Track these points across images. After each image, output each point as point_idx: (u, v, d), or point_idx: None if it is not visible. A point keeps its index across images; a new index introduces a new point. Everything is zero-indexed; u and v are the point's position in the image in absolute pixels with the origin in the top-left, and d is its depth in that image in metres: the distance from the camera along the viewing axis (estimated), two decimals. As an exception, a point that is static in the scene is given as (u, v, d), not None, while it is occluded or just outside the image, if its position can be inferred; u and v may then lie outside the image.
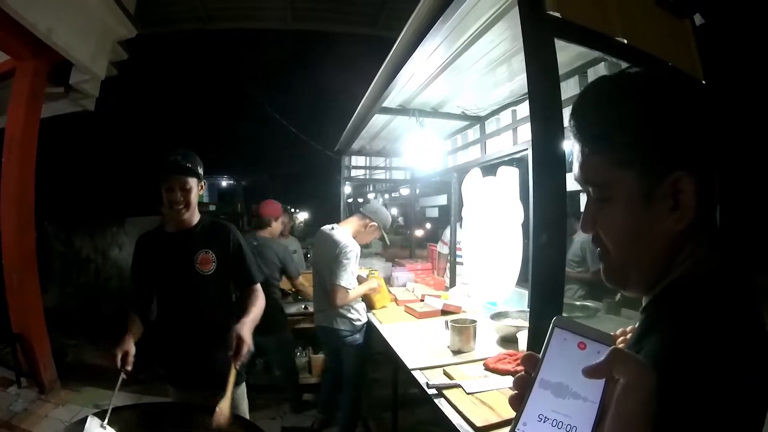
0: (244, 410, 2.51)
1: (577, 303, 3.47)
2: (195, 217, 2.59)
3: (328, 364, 4.46)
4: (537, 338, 1.53)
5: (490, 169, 3.74)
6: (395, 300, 4.34)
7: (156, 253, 2.58)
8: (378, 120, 4.48)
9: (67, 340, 6.41)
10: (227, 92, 13.48)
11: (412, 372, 2.54)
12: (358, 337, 3.83)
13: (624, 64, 1.94)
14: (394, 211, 9.17)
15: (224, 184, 20.02)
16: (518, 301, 3.50)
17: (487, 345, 2.91)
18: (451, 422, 1.97)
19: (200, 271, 2.48)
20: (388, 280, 4.95)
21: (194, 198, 2.50)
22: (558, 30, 1.61)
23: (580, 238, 4.23)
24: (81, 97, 5.58)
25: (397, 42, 2.74)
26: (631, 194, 0.78)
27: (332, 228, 3.90)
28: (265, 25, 8.20)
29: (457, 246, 4.68)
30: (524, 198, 3.31)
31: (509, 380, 2.21)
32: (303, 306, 5.22)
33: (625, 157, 0.78)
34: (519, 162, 3.44)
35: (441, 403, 2.14)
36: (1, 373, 4.89)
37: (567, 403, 0.58)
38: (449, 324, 2.89)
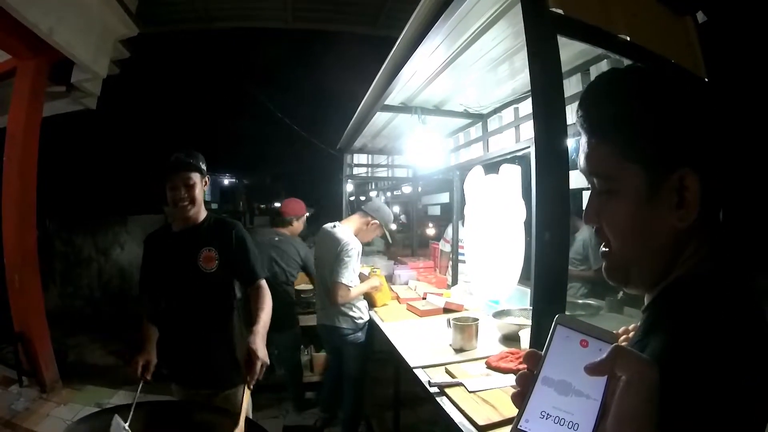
0: (248, 409, 2.51)
1: (580, 301, 3.47)
2: (201, 214, 2.60)
3: (330, 363, 4.46)
4: (539, 336, 1.52)
5: (492, 166, 3.74)
6: (397, 298, 4.34)
7: (162, 252, 2.61)
8: (380, 118, 4.47)
9: (68, 339, 6.41)
10: (228, 91, 13.48)
11: (413, 370, 2.53)
12: (360, 335, 3.83)
13: (626, 62, 1.94)
14: (396, 209, 9.18)
15: (226, 182, 20.09)
16: (520, 299, 3.50)
17: (489, 343, 2.90)
18: (452, 421, 1.96)
19: (203, 269, 2.49)
20: (390, 278, 4.94)
21: (198, 193, 2.51)
22: (560, 27, 1.60)
23: (583, 236, 4.22)
24: (82, 96, 5.59)
25: (399, 40, 2.73)
26: (637, 188, 0.77)
27: (334, 226, 3.90)
28: (266, 24, 8.19)
29: (460, 244, 4.68)
30: (527, 196, 3.30)
31: (511, 379, 2.20)
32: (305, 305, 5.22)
33: (632, 150, 0.78)
34: (521, 160, 3.43)
35: (443, 401, 2.13)
36: (2, 372, 4.90)
37: (569, 400, 0.59)
38: (451, 322, 2.88)
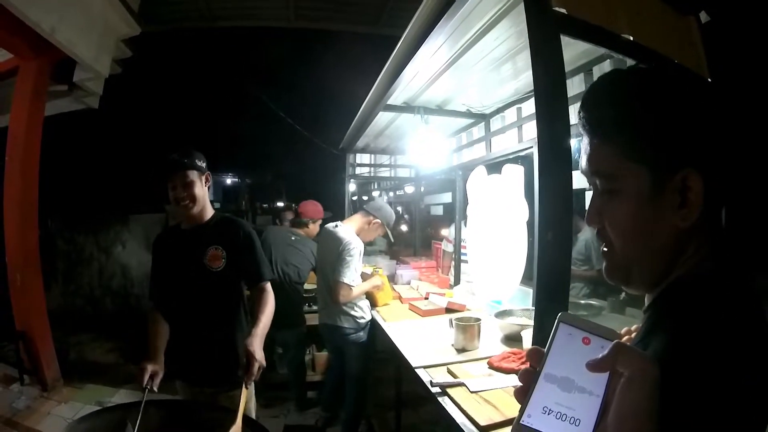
0: (251, 409, 2.51)
1: (582, 301, 3.46)
2: (207, 212, 2.61)
3: (331, 362, 4.46)
4: (541, 337, 1.52)
5: (495, 166, 3.73)
6: (399, 298, 4.34)
7: (170, 250, 2.62)
8: (382, 117, 4.47)
9: (69, 338, 6.42)
10: (231, 90, 13.48)
11: (415, 370, 2.53)
12: (362, 335, 3.82)
13: (629, 62, 1.93)
14: (399, 208, 9.18)
15: (228, 182, 20.09)
16: (523, 299, 3.50)
17: (491, 343, 2.90)
18: (454, 421, 1.96)
19: (210, 268, 2.49)
20: (393, 278, 4.94)
21: (198, 191, 2.51)
22: (564, 26, 1.59)
23: (585, 236, 4.21)
24: (85, 95, 5.60)
25: (402, 39, 2.73)
26: (639, 188, 0.78)
27: (336, 226, 3.90)
28: (268, 23, 8.21)
29: (462, 244, 4.68)
30: (529, 196, 3.30)
31: (513, 379, 2.20)
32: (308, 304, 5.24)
33: (634, 150, 0.78)
34: (524, 160, 3.43)
35: (445, 401, 2.13)
36: (4, 371, 4.91)
37: (571, 396, 0.59)
38: (453, 322, 2.88)
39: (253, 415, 2.49)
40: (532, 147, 3.08)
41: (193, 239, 2.55)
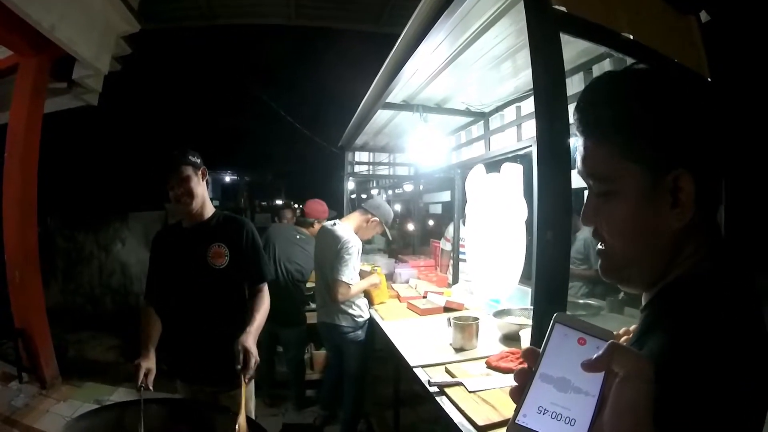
0: (251, 408, 2.51)
1: (581, 301, 3.46)
2: (207, 210, 2.61)
3: (330, 361, 4.46)
4: (540, 336, 1.50)
5: (494, 165, 3.73)
6: (398, 296, 4.34)
7: (171, 248, 2.62)
8: (381, 116, 4.47)
9: (68, 336, 6.42)
10: (230, 88, 13.49)
11: (413, 369, 2.53)
12: (360, 334, 3.82)
13: (629, 61, 1.93)
14: (398, 207, 9.19)
15: (227, 179, 20.09)
16: (521, 298, 3.50)
17: (489, 343, 2.90)
18: (452, 420, 1.96)
19: (213, 265, 2.49)
20: (391, 277, 4.94)
21: (195, 186, 2.51)
22: (563, 24, 1.59)
23: (584, 236, 4.21)
24: (84, 93, 5.58)
25: (401, 37, 2.73)
26: (634, 188, 0.78)
27: (334, 224, 3.90)
28: (269, 21, 8.19)
29: (461, 243, 4.68)
30: (528, 195, 3.30)
31: (511, 379, 2.19)
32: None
33: (629, 150, 0.78)
34: (523, 158, 3.42)
35: (442, 401, 2.13)
36: (2, 369, 4.90)
37: (566, 396, 0.60)
38: (452, 321, 2.88)
39: (253, 415, 2.49)
40: (531, 146, 3.08)
41: (194, 237, 2.55)
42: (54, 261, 7.79)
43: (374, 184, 9.13)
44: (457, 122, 4.75)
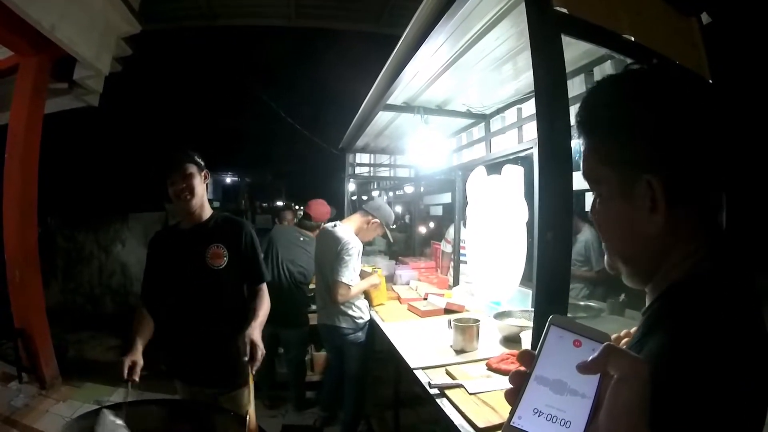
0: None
1: (581, 303, 3.45)
2: (206, 211, 2.61)
3: (330, 362, 4.46)
4: (540, 338, 1.51)
5: (494, 167, 3.72)
6: (398, 298, 4.33)
7: (169, 249, 2.62)
8: (382, 117, 4.47)
9: (68, 336, 6.42)
10: (231, 89, 13.49)
11: (414, 371, 2.53)
12: (361, 335, 3.82)
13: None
14: (398, 208, 9.19)
15: (228, 180, 20.13)
16: (522, 300, 3.49)
17: (490, 345, 2.89)
18: (452, 422, 1.96)
19: (211, 266, 2.49)
20: (392, 278, 4.94)
21: (197, 184, 2.52)
22: (565, 26, 1.58)
23: (585, 237, 4.21)
24: (84, 93, 5.58)
25: (402, 38, 2.72)
26: (614, 192, 0.82)
27: (334, 225, 3.90)
28: (269, 21, 8.20)
29: (461, 244, 4.67)
30: (529, 197, 3.30)
31: (512, 380, 2.19)
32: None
33: (604, 155, 0.83)
34: (524, 160, 3.42)
35: (443, 403, 2.12)
36: (2, 369, 4.90)
37: (562, 398, 0.60)
38: (452, 323, 2.87)
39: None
40: (532, 147, 3.07)
41: (193, 237, 2.55)
42: (54, 261, 7.81)
43: (375, 186, 9.13)
44: (458, 124, 4.74)
